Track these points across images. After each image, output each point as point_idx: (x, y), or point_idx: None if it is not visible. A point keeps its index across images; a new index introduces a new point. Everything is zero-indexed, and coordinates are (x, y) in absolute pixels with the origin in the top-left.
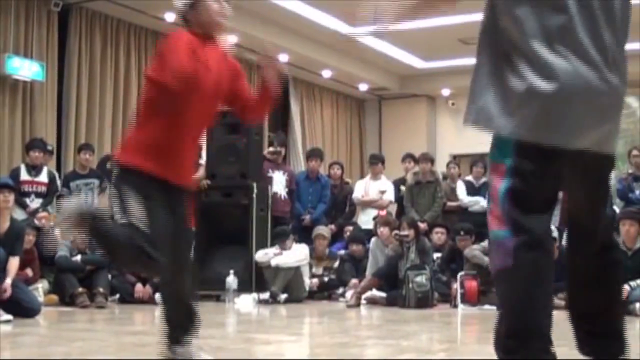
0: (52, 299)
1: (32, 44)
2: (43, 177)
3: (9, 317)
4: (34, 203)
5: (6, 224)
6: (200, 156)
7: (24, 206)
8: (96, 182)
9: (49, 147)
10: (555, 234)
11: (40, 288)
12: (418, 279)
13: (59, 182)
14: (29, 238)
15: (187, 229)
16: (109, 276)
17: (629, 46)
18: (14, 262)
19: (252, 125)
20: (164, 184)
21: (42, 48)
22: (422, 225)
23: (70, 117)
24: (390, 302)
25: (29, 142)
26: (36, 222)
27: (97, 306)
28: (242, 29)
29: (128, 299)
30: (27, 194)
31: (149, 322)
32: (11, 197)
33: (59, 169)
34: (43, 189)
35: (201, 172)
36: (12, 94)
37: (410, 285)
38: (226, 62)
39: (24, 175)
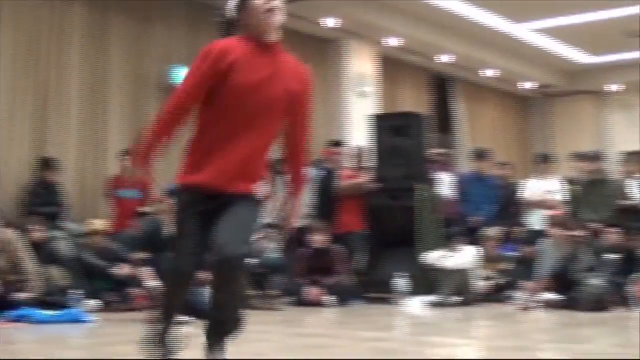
0: None
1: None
2: None
3: (188, 318)
4: None
5: None
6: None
7: None
8: None
9: None
10: None
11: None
12: (592, 280)
13: None
14: None
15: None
16: (282, 279)
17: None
18: None
19: (417, 127)
20: (210, 197)
21: None
22: (595, 226)
23: None
24: (564, 305)
25: None
26: None
27: (272, 309)
28: (404, 31)
29: (300, 301)
30: None
31: (320, 325)
32: None
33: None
34: None
35: (367, 175)
36: None
37: (585, 288)
38: (292, 72)
39: None
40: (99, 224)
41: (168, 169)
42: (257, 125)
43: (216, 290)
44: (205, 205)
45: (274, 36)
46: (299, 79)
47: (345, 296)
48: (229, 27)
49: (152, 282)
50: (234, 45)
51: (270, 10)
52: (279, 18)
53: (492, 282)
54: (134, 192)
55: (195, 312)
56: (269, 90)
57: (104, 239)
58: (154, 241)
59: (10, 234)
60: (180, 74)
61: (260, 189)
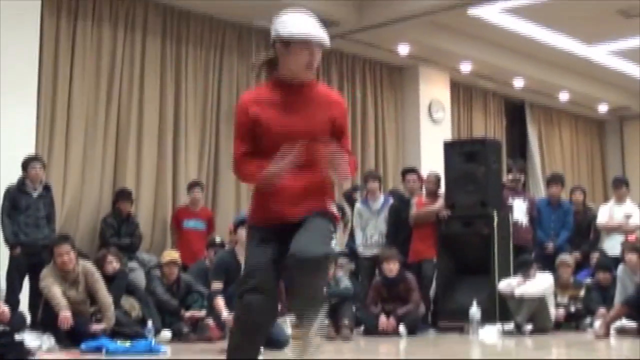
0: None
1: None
2: None
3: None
4: None
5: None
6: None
7: None
8: None
9: None
10: None
11: (288, 321)
12: None
13: None
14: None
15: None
16: (354, 308)
17: None
18: None
19: (490, 153)
20: (273, 230)
21: None
22: None
23: None
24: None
25: None
26: None
27: (343, 338)
28: (476, 56)
29: (372, 330)
30: None
31: (393, 354)
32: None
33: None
34: None
35: (440, 202)
36: None
37: None
38: (325, 104)
39: None
40: (176, 255)
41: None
42: (305, 160)
43: (297, 293)
44: (278, 237)
45: (310, 77)
46: (333, 107)
47: (417, 325)
48: (269, 66)
49: (225, 312)
50: (261, 93)
51: (310, 67)
52: (311, 73)
53: (567, 309)
54: (198, 222)
55: (275, 343)
56: (306, 126)
57: (177, 270)
58: (228, 272)
59: (88, 265)
60: None
61: (332, 208)
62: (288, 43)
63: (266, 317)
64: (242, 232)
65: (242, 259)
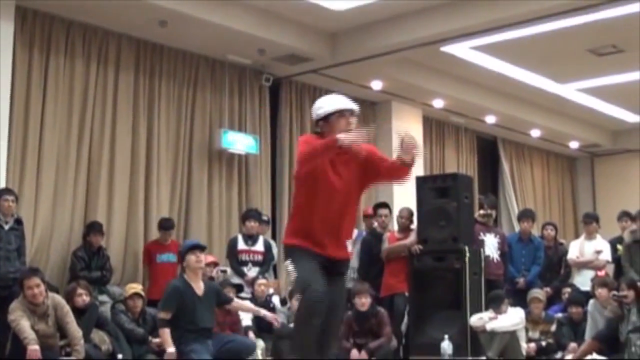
0: None
1: (245, 119)
2: (259, 247)
3: None
4: (252, 272)
5: (201, 284)
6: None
7: (242, 275)
8: None
9: (265, 218)
10: None
11: (259, 349)
12: None
13: (274, 251)
14: (230, 295)
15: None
16: None
17: None
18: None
19: (462, 188)
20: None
21: (255, 122)
22: None
23: (283, 187)
24: None
25: (244, 212)
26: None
27: None
28: (449, 93)
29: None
30: (245, 263)
31: None
32: (203, 257)
33: (274, 237)
34: (259, 257)
35: (412, 237)
36: (229, 166)
37: (633, 349)
38: (356, 161)
39: (241, 245)
40: (139, 287)
41: (209, 235)
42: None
43: None
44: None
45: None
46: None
47: (389, 359)
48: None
49: (170, 347)
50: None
51: (348, 130)
52: None
53: (538, 344)
54: (170, 255)
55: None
56: (347, 182)
57: (142, 303)
58: (183, 299)
59: (58, 298)
60: (231, 139)
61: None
62: (326, 118)
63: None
64: (191, 258)
65: (194, 284)
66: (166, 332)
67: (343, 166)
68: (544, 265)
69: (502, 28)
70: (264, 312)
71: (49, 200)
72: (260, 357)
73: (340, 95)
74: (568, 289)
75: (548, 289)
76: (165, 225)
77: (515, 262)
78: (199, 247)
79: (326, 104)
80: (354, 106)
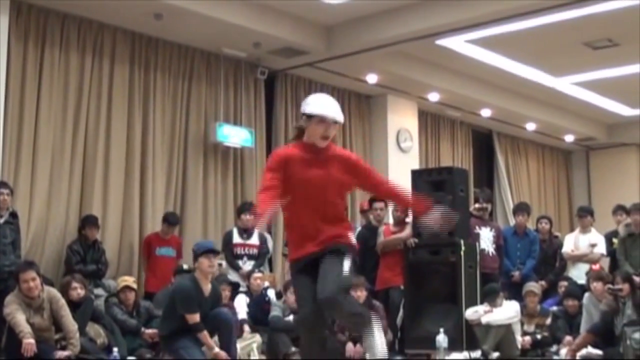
0: None
1: (240, 112)
2: (254, 240)
3: None
4: (247, 265)
5: (209, 286)
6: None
7: (236, 268)
8: None
9: None
10: None
11: (255, 345)
12: (636, 335)
13: (270, 245)
14: (226, 293)
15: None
16: None
17: None
18: None
19: (457, 181)
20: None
21: (250, 115)
22: (638, 279)
23: None
24: None
25: (240, 205)
26: (252, 282)
27: None
28: (444, 86)
29: (339, 358)
30: (240, 257)
31: None
32: (216, 262)
33: (269, 231)
34: (254, 251)
35: (408, 230)
36: (224, 160)
37: (628, 342)
38: (337, 161)
39: (236, 239)
40: (131, 280)
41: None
42: (322, 203)
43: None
44: (307, 264)
45: (323, 144)
46: (345, 161)
47: None
48: (299, 132)
49: (216, 347)
50: (289, 151)
51: (325, 137)
52: (329, 141)
53: (533, 337)
54: (169, 249)
55: None
56: (321, 177)
57: (135, 295)
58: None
59: (53, 292)
60: (226, 132)
61: (349, 238)
62: (310, 117)
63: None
64: (204, 262)
65: (203, 286)
66: (205, 335)
67: (317, 166)
68: (539, 259)
69: (498, 21)
70: (217, 350)
71: (44, 193)
72: (256, 353)
73: (332, 101)
74: (565, 282)
75: (543, 282)
76: (171, 220)
77: (511, 255)
78: (213, 252)
79: (315, 104)
80: (339, 118)
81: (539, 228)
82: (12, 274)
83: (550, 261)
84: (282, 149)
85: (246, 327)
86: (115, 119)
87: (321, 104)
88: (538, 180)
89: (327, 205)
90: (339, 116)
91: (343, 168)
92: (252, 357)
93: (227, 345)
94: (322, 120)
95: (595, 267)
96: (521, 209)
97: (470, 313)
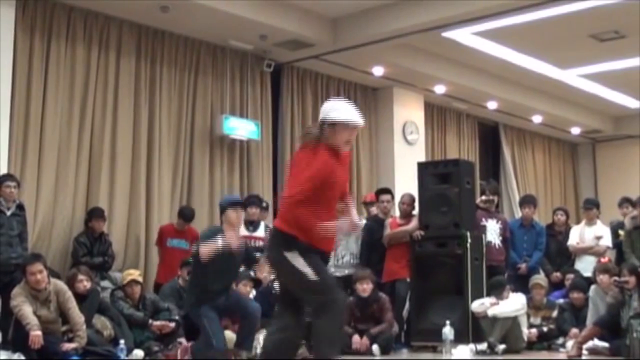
0: None
1: (247, 105)
2: (260, 232)
3: None
4: None
5: (237, 241)
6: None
7: None
8: None
9: (265, 204)
10: None
11: (261, 337)
12: None
13: None
14: (246, 289)
15: None
16: None
17: None
18: None
19: (463, 174)
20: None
21: (256, 108)
22: None
23: (285, 173)
24: (613, 352)
25: (246, 198)
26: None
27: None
28: (451, 79)
29: (346, 350)
30: None
31: None
32: (242, 214)
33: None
34: (260, 243)
35: (414, 223)
36: (230, 152)
37: (635, 335)
38: (345, 168)
39: (243, 231)
40: (137, 274)
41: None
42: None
43: None
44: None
45: (347, 149)
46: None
47: (390, 345)
48: (318, 137)
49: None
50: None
51: (348, 143)
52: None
53: (539, 330)
54: (181, 242)
55: None
56: (344, 180)
57: (141, 289)
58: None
59: (60, 284)
60: (232, 125)
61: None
62: (334, 124)
63: None
64: (232, 214)
65: (229, 238)
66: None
67: (340, 169)
68: (554, 250)
69: (504, 13)
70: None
71: (51, 185)
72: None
73: (352, 107)
74: (571, 275)
75: (558, 274)
76: (186, 214)
77: (517, 248)
78: (240, 204)
79: (341, 110)
80: (362, 123)
81: (555, 220)
82: (19, 266)
83: (566, 252)
84: (328, 158)
85: None
86: (122, 112)
87: (348, 111)
88: (544, 173)
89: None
90: (362, 121)
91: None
92: (258, 350)
93: (246, 336)
94: (347, 126)
95: (604, 260)
96: (527, 201)
97: (476, 305)
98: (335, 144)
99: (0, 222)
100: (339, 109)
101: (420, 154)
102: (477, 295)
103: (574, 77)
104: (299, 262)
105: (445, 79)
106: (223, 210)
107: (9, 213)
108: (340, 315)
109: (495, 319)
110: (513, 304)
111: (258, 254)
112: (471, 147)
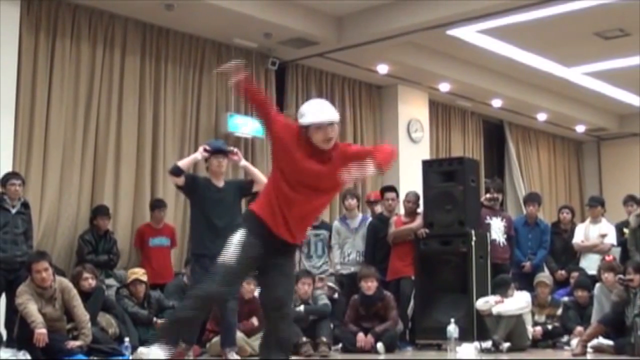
0: None
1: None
2: None
3: None
4: None
5: (222, 182)
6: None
7: None
8: (325, 233)
9: None
10: None
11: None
12: None
13: None
14: (250, 287)
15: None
16: (332, 326)
17: None
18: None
19: (468, 172)
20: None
21: None
22: None
23: None
24: (618, 350)
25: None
26: None
27: (321, 355)
28: (455, 76)
29: (350, 348)
30: None
31: None
32: (225, 163)
33: None
34: None
35: (418, 221)
36: None
37: (639, 333)
38: (331, 163)
39: None
40: (141, 272)
41: None
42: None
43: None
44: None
45: (327, 147)
46: (342, 154)
47: (395, 343)
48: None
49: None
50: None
51: (326, 141)
52: (332, 143)
53: (544, 328)
54: (162, 239)
55: None
56: (317, 174)
57: (145, 287)
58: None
59: (65, 282)
60: (237, 123)
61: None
62: (307, 128)
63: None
64: (213, 162)
65: (215, 182)
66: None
67: (317, 161)
68: (559, 248)
69: (509, 11)
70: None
71: (56, 184)
72: None
73: (322, 103)
74: (575, 273)
75: (563, 272)
76: (157, 204)
77: (522, 245)
78: (222, 152)
79: (307, 114)
80: (334, 117)
81: (561, 218)
82: (24, 264)
83: (571, 251)
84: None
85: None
86: (126, 110)
87: (312, 112)
88: (549, 171)
89: (309, 208)
90: (334, 116)
91: (341, 161)
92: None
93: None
94: (318, 127)
95: (609, 257)
96: (532, 199)
97: (481, 303)
98: (316, 144)
99: (6, 220)
100: (305, 114)
101: (424, 152)
102: (482, 293)
103: (578, 75)
104: (234, 238)
105: (450, 77)
106: (206, 158)
107: (14, 211)
108: (195, 307)
109: (500, 317)
110: (518, 302)
111: None
112: (476, 145)
